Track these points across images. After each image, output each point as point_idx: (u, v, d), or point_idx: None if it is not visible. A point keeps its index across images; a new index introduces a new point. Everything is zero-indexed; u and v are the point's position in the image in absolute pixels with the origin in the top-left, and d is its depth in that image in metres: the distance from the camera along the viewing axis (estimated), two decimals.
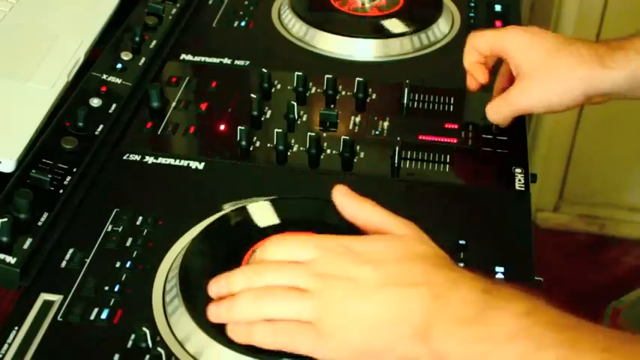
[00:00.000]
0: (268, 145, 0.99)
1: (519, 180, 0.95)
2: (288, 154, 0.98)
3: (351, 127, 1.03)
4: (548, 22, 1.92)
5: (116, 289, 0.80)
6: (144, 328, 0.73)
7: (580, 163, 2.08)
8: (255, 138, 1.00)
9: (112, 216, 0.88)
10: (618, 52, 0.90)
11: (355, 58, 1.15)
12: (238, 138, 0.99)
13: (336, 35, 1.17)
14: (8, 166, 0.90)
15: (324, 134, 1.01)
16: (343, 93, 1.07)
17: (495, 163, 0.98)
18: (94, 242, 0.85)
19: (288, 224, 0.83)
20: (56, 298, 0.79)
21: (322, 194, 0.90)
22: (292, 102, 1.03)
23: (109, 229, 0.86)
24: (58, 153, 0.92)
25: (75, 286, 0.80)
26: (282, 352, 0.69)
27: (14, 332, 0.75)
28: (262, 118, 1.03)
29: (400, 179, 0.96)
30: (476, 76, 1.00)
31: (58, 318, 0.77)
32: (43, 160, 0.90)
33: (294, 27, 1.19)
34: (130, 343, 0.74)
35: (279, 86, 1.09)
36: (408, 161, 0.97)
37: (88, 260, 0.83)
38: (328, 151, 0.98)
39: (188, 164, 0.96)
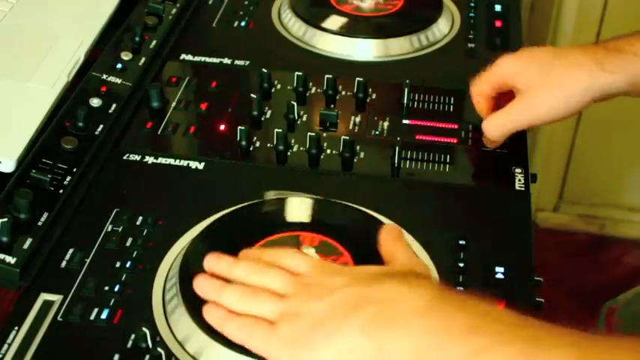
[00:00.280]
0: (268, 145, 0.99)
1: (519, 180, 0.95)
2: (288, 154, 0.98)
3: (351, 127, 1.03)
4: (548, 22, 1.92)
5: (116, 289, 0.80)
6: (144, 328, 0.73)
7: (580, 163, 2.08)
8: (255, 138, 1.00)
9: (112, 216, 0.88)
10: (617, 56, 0.90)
11: (355, 58, 1.15)
12: (238, 138, 0.99)
13: (336, 35, 1.16)
14: (8, 166, 0.90)
15: (324, 134, 1.01)
16: (343, 93, 1.07)
17: (495, 163, 0.98)
18: (94, 242, 0.85)
19: (285, 225, 0.83)
20: (56, 298, 0.79)
21: (322, 194, 0.90)
22: (292, 102, 1.03)
23: (109, 229, 0.86)
24: (58, 153, 0.92)
25: (75, 286, 0.80)
26: None
27: (14, 332, 0.75)
28: (262, 118, 1.03)
29: (400, 179, 0.96)
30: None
31: (58, 318, 0.77)
32: (43, 160, 0.90)
33: (294, 27, 1.19)
34: (130, 343, 0.74)
35: (279, 86, 1.09)
36: (408, 161, 0.97)
37: (88, 260, 0.83)
38: (328, 151, 0.98)
39: (188, 164, 0.96)
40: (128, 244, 0.85)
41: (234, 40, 1.19)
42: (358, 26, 1.18)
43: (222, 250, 0.75)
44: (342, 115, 1.03)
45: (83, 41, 1.09)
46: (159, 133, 1.01)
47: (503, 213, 0.91)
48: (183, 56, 1.15)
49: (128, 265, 0.82)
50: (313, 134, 0.98)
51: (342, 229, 0.84)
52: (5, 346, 0.74)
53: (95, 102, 1.00)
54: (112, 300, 0.79)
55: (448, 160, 0.97)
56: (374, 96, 1.07)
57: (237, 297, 0.71)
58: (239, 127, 0.99)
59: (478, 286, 0.81)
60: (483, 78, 0.97)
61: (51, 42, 1.08)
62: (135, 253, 0.83)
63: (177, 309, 0.76)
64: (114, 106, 1.01)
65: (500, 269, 0.83)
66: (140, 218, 0.87)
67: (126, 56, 1.09)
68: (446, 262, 0.83)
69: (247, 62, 1.14)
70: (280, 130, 0.98)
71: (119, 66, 1.07)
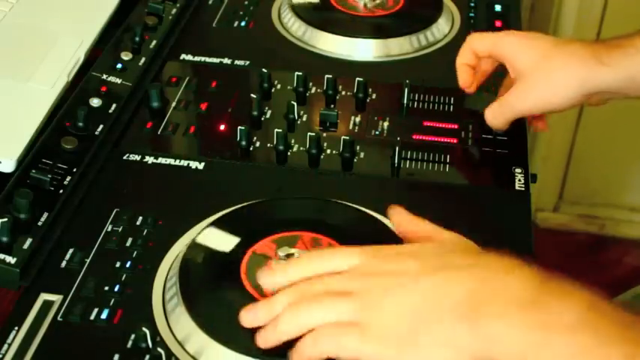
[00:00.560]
0: (268, 145, 0.99)
1: (519, 180, 0.95)
2: (288, 154, 0.98)
3: (351, 127, 1.03)
4: (548, 22, 1.92)
5: (116, 289, 0.80)
6: (144, 328, 0.73)
7: (580, 163, 2.08)
8: (255, 138, 1.00)
9: (112, 216, 0.88)
10: (616, 50, 0.90)
11: (355, 58, 1.15)
12: (238, 138, 0.99)
13: (336, 35, 1.16)
14: (8, 166, 0.90)
15: (324, 134, 1.01)
16: (343, 93, 1.07)
17: (495, 163, 0.98)
18: (94, 242, 0.85)
19: (285, 225, 0.83)
20: (56, 298, 0.79)
21: (322, 194, 0.90)
22: (292, 102, 1.03)
23: (109, 229, 0.86)
24: (58, 153, 0.92)
25: (75, 286, 0.80)
26: (282, 352, 0.69)
27: (14, 332, 0.75)
28: (262, 118, 1.03)
29: (400, 179, 0.96)
30: (460, 78, 1.00)
31: (58, 318, 0.77)
32: (43, 160, 0.90)
33: (293, 27, 1.19)
34: (130, 343, 0.74)
35: (279, 86, 1.09)
36: (408, 161, 0.97)
37: (88, 260, 0.83)
38: (328, 151, 0.98)
39: (188, 164, 0.96)
40: (128, 244, 0.85)
41: (234, 40, 1.19)
42: (358, 26, 1.18)
43: (222, 250, 0.75)
44: (342, 115, 1.03)
45: (83, 41, 1.09)
46: (159, 133, 1.01)
47: (503, 213, 0.91)
48: (183, 56, 1.15)
49: (128, 265, 0.82)
50: (313, 134, 0.98)
51: (342, 229, 0.84)
52: (5, 346, 0.74)
53: (95, 102, 1.00)
54: (112, 300, 0.78)
55: (448, 160, 0.97)
56: (374, 96, 1.07)
57: (312, 312, 0.67)
58: (239, 127, 0.99)
59: None
60: (485, 38, 0.98)
61: (51, 42, 1.08)
62: (135, 253, 0.83)
63: (177, 309, 0.76)
64: (114, 106, 1.01)
65: None
66: (140, 218, 0.87)
67: (126, 56, 1.09)
68: None
69: (247, 62, 1.14)
70: (280, 130, 0.98)
71: (119, 66, 1.07)
